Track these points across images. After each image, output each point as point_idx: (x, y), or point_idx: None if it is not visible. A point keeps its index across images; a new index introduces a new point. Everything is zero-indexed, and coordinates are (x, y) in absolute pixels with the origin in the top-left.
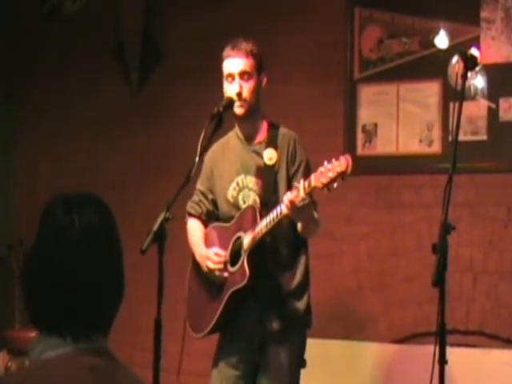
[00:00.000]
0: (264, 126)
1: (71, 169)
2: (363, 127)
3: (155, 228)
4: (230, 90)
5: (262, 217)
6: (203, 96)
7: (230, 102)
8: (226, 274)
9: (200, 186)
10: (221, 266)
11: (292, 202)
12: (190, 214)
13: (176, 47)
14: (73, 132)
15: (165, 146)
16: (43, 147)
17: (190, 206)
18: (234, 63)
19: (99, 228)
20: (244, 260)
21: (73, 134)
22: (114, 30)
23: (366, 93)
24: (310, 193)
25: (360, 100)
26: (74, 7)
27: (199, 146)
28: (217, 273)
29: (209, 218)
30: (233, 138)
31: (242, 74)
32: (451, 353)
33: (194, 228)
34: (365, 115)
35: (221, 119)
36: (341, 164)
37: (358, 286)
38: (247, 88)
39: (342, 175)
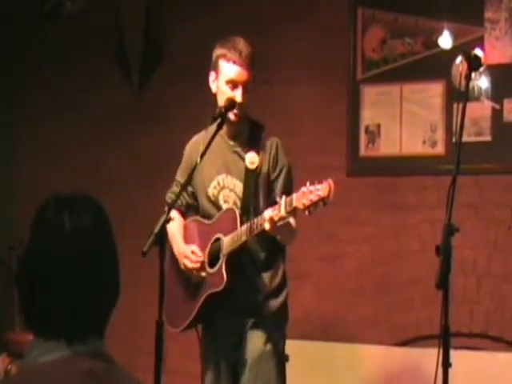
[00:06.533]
0: (247, 125)
1: (71, 169)
2: (366, 128)
3: (156, 230)
4: (231, 96)
5: (242, 222)
6: (204, 96)
7: (232, 103)
8: (203, 274)
9: (179, 177)
10: (198, 266)
11: (272, 219)
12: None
13: (177, 47)
14: (73, 132)
15: (166, 147)
16: (43, 147)
17: (169, 197)
18: (241, 73)
19: (91, 229)
20: (222, 264)
21: (73, 135)
22: (114, 30)
23: (369, 93)
24: (291, 212)
25: (363, 101)
26: (75, 7)
27: (200, 147)
28: (194, 272)
29: (188, 209)
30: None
31: (246, 84)
32: (455, 356)
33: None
34: (368, 116)
35: (223, 120)
36: (323, 189)
37: (361, 288)
38: (246, 97)
39: (323, 200)
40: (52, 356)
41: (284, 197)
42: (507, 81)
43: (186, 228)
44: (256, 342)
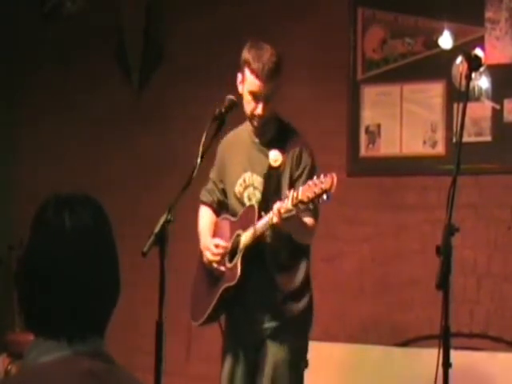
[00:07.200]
0: (274, 123)
1: (72, 169)
2: (366, 128)
3: (156, 230)
4: (251, 107)
5: (260, 218)
6: (205, 96)
7: (233, 104)
8: (222, 269)
9: (212, 174)
10: (218, 259)
11: (279, 212)
12: (202, 202)
13: (177, 47)
14: (73, 132)
15: (166, 147)
16: (43, 147)
17: (203, 194)
18: (262, 87)
19: (91, 228)
20: (238, 259)
21: (73, 135)
22: (114, 30)
23: (370, 94)
24: (297, 205)
25: (363, 101)
26: (75, 7)
27: (201, 148)
28: (214, 265)
29: (220, 207)
30: (245, 130)
31: (268, 96)
32: (455, 356)
33: (203, 216)
34: (368, 116)
35: (223, 121)
36: (326, 181)
37: (361, 289)
38: (270, 107)
39: (326, 193)
40: (52, 356)
41: (292, 190)
42: (507, 81)
43: (216, 225)
44: (275, 353)
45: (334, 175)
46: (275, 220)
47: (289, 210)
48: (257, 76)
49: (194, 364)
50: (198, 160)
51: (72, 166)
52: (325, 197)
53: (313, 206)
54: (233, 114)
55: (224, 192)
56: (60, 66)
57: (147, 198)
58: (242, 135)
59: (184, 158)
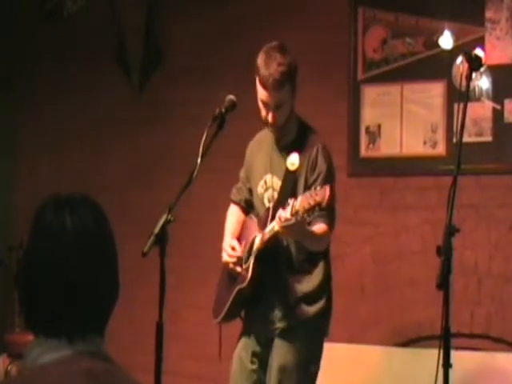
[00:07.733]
0: (296, 126)
1: (72, 170)
2: (367, 128)
3: (157, 230)
4: (263, 114)
5: (272, 221)
6: (205, 96)
7: (233, 104)
8: (238, 269)
9: (241, 173)
10: (233, 260)
11: (280, 220)
12: (231, 200)
13: (177, 47)
14: (73, 132)
15: (166, 147)
16: (44, 148)
17: (233, 193)
18: (269, 97)
19: (91, 229)
20: (251, 262)
21: (73, 135)
22: (115, 30)
23: (370, 93)
24: (296, 214)
25: (364, 101)
26: (75, 7)
27: (201, 147)
28: (230, 266)
29: (248, 205)
30: (270, 132)
31: (277, 106)
32: (455, 356)
33: (230, 215)
34: (368, 116)
35: (223, 120)
36: (320, 194)
37: (362, 289)
38: (282, 115)
39: (319, 205)
40: (53, 355)
41: (293, 199)
42: (508, 81)
43: (244, 224)
44: (283, 353)
45: (327, 188)
46: (276, 228)
47: (288, 219)
48: (262, 85)
49: (194, 363)
50: (199, 160)
51: (72, 165)
52: (317, 209)
53: (324, 212)
54: (233, 113)
55: (251, 191)
56: (60, 66)
57: (147, 198)
58: (267, 137)
59: (184, 158)
